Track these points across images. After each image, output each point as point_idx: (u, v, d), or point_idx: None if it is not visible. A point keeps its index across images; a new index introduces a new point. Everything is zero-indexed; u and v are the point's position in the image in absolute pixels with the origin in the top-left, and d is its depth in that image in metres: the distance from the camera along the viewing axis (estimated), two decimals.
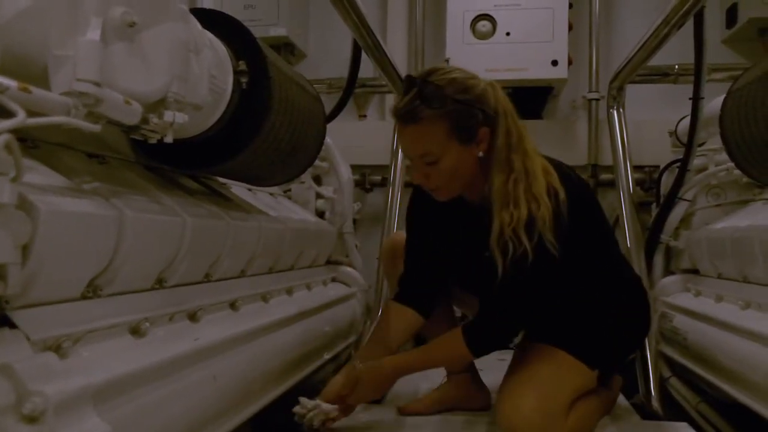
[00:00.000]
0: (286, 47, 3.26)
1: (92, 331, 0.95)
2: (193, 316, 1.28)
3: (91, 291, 1.01)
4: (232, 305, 1.47)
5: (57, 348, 0.86)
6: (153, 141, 1.11)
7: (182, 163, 1.41)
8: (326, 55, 3.39)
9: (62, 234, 0.88)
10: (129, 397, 0.91)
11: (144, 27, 1.00)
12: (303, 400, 1.48)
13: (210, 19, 1.33)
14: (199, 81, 1.17)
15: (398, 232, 1.83)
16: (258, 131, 1.36)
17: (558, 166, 1.47)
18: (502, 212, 1.36)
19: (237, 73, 1.33)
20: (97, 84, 0.87)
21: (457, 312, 1.98)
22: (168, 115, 1.06)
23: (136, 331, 1.07)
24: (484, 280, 1.43)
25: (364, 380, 1.48)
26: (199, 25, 1.20)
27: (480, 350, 1.48)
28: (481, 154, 1.39)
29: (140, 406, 0.94)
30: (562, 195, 1.36)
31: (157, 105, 1.06)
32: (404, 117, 1.38)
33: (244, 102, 1.34)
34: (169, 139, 1.10)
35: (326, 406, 1.45)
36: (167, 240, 1.18)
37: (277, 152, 1.52)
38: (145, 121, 1.04)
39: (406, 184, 2.95)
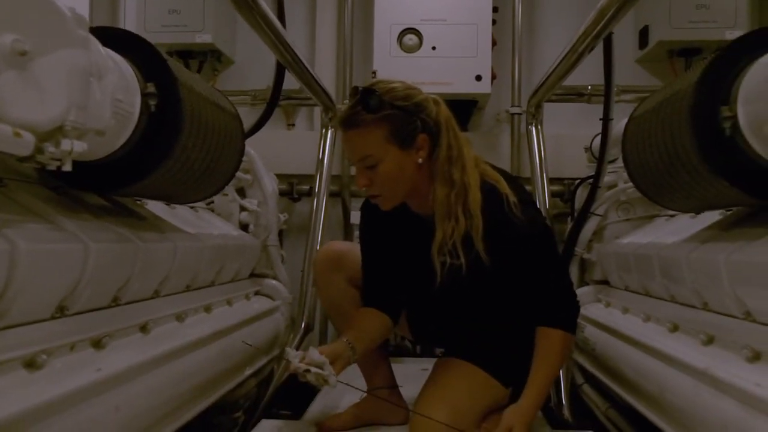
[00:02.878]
0: (212, 54, 3.22)
1: None
2: (97, 344, 1.25)
3: None
4: (143, 328, 1.44)
5: None
6: (52, 168, 1.08)
7: (88, 184, 1.37)
8: (254, 62, 3.35)
9: None
10: None
11: (38, 54, 0.98)
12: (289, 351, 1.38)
13: (117, 40, 1.30)
14: (101, 106, 1.14)
15: (333, 243, 1.83)
16: (168, 154, 1.35)
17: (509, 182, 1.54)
18: (444, 224, 1.44)
19: (145, 95, 1.31)
20: None
21: None
22: (66, 144, 1.04)
23: (31, 364, 1.04)
24: (447, 291, 1.51)
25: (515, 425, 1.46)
26: (101, 48, 1.18)
27: (575, 326, 1.55)
28: (420, 161, 1.45)
29: None
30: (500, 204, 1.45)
31: (54, 133, 1.04)
32: (346, 123, 1.44)
33: (152, 124, 1.32)
34: (67, 168, 1.07)
35: (320, 370, 1.33)
36: (67, 268, 1.15)
37: (190, 173, 1.50)
38: (40, 150, 1.01)
39: (332, 194, 2.98)
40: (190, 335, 1.58)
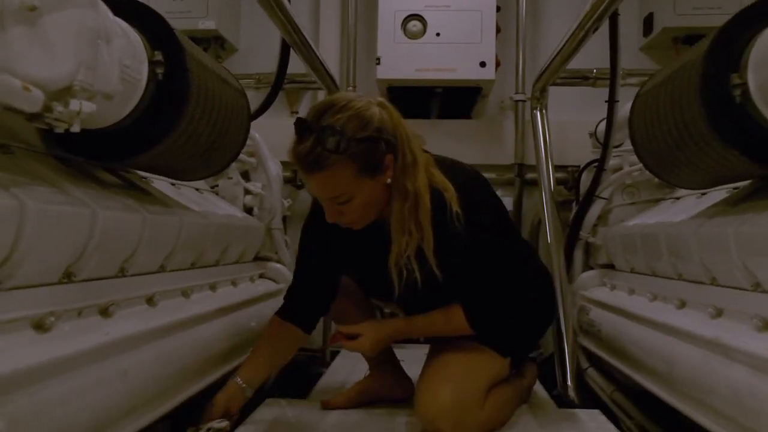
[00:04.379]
0: (216, 40, 3.21)
1: None
2: (104, 311, 1.24)
3: None
4: (149, 300, 1.44)
5: None
6: (59, 131, 1.08)
7: (95, 154, 1.37)
8: (257, 50, 3.34)
9: None
10: (28, 392, 0.88)
11: (47, 11, 0.97)
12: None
13: (124, 9, 1.30)
14: (110, 69, 1.14)
15: None
16: (175, 123, 1.34)
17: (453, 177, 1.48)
18: (400, 238, 1.40)
19: (152, 63, 1.31)
20: None
21: None
22: (74, 104, 1.03)
23: (39, 325, 1.04)
24: (403, 290, 1.48)
25: (366, 332, 1.53)
26: (110, 13, 1.17)
27: (477, 323, 1.52)
28: (389, 180, 1.39)
29: (40, 402, 0.91)
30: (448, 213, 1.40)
31: (63, 93, 1.03)
32: (309, 166, 1.33)
33: (160, 93, 1.32)
34: (75, 129, 1.06)
35: (216, 424, 1.43)
36: (75, 232, 1.14)
37: (196, 146, 1.49)
38: (48, 109, 1.00)
39: None
40: (196, 309, 1.58)
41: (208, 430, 1.42)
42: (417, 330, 1.60)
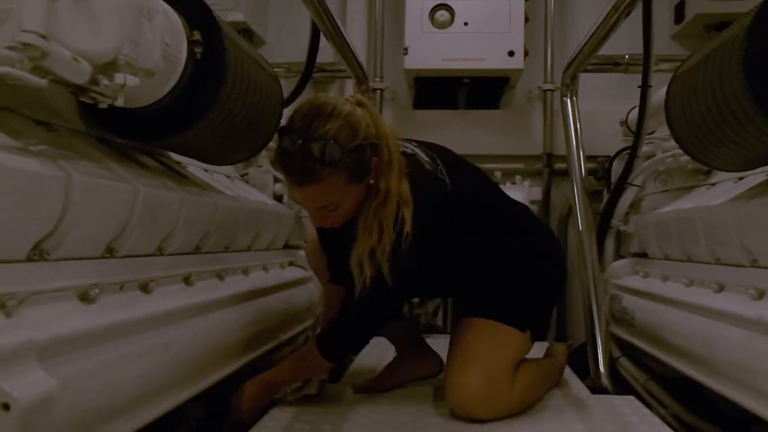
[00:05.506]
0: (244, 33, 3.22)
1: (38, 293, 0.93)
2: (144, 287, 1.26)
3: (37, 254, 0.99)
4: (186, 279, 1.45)
5: (1, 306, 0.84)
6: (103, 105, 1.09)
7: (134, 133, 1.39)
8: (285, 42, 3.36)
9: (6, 190, 0.86)
10: (76, 356, 0.90)
11: None
12: None
13: None
14: (152, 46, 1.15)
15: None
16: (213, 102, 1.35)
17: (419, 169, 1.45)
18: (362, 237, 1.38)
19: (191, 42, 1.32)
20: (43, 36, 0.85)
21: None
22: (119, 78, 1.05)
23: (84, 297, 1.05)
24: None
25: (238, 401, 1.52)
26: None
27: (333, 357, 1.51)
28: (372, 181, 1.38)
29: (88, 367, 0.92)
30: (407, 226, 1.35)
31: (108, 67, 1.05)
32: (301, 179, 1.31)
33: (198, 72, 1.33)
34: (120, 103, 1.08)
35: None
36: (117, 207, 1.16)
37: (232, 127, 1.50)
38: (94, 82, 1.02)
39: None
40: (231, 290, 1.59)
41: (293, 392, 1.55)
42: (284, 376, 1.57)
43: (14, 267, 0.91)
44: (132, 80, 1.06)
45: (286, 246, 2.44)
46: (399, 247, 1.35)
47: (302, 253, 2.47)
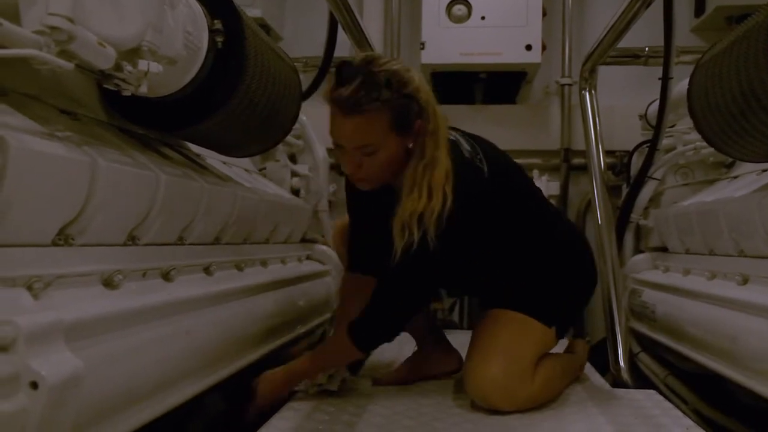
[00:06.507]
0: (261, 29, 3.23)
1: (63, 276, 0.94)
2: (166, 275, 1.26)
3: (62, 239, 0.99)
4: (206, 269, 1.46)
5: (28, 287, 0.85)
6: (127, 93, 1.10)
7: (156, 123, 1.39)
8: (302, 38, 3.36)
9: (33, 174, 0.87)
10: (101, 339, 0.90)
11: None
12: None
13: None
14: (174, 34, 1.16)
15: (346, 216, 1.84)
16: (233, 91, 1.36)
17: (459, 154, 1.44)
18: (407, 199, 1.37)
19: (212, 32, 1.32)
20: (70, 20, 0.86)
21: None
22: (142, 64, 1.06)
23: (108, 282, 1.06)
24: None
25: (259, 390, 1.51)
26: None
27: (366, 346, 1.50)
28: (410, 145, 1.39)
29: (112, 350, 0.93)
30: (449, 197, 1.35)
31: (131, 54, 1.06)
32: (348, 107, 1.33)
33: (219, 61, 1.34)
34: (143, 90, 1.09)
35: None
36: (140, 194, 1.17)
37: (252, 117, 1.51)
38: (118, 68, 1.03)
39: None
40: (249, 281, 1.60)
41: (313, 386, 1.53)
42: (308, 369, 1.55)
43: (40, 251, 0.92)
44: (155, 67, 1.07)
45: (303, 240, 2.45)
46: (444, 216, 1.35)
47: (319, 247, 2.48)
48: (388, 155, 1.38)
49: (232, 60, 1.35)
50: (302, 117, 2.48)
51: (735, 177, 2.13)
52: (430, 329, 1.84)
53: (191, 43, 1.24)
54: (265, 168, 2.45)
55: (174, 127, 1.41)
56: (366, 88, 1.31)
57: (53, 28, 0.84)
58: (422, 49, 2.96)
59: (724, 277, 1.73)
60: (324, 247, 2.47)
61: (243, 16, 1.39)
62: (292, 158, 2.53)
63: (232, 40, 1.35)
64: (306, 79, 2.69)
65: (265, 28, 3.24)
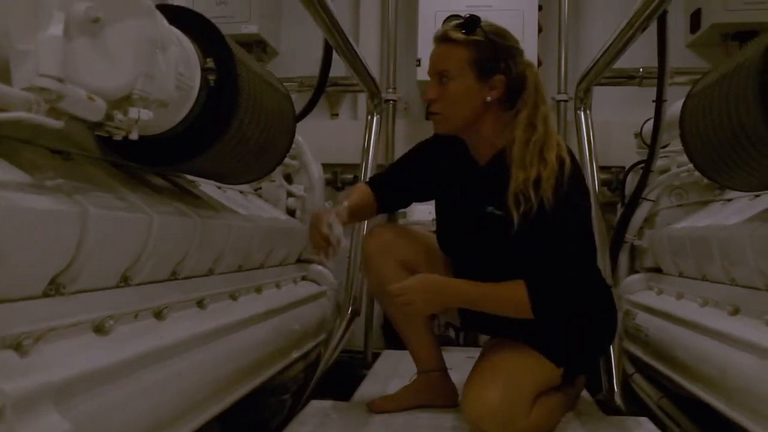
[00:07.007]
0: (258, 45, 3.25)
1: (54, 329, 0.94)
2: (158, 314, 1.27)
3: (54, 288, 1.00)
4: (200, 303, 1.47)
5: (17, 346, 0.85)
6: (118, 138, 1.11)
7: (149, 159, 1.40)
8: (298, 53, 3.38)
9: (22, 231, 0.87)
10: (91, 395, 0.91)
11: (109, 23, 1.00)
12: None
13: (177, 16, 1.33)
14: (166, 78, 1.16)
15: (382, 227, 1.82)
16: (225, 129, 1.36)
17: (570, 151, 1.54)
18: (518, 171, 1.44)
19: (204, 70, 1.33)
20: (60, 80, 0.86)
21: None
22: (133, 112, 1.06)
23: (99, 329, 1.06)
24: (480, 236, 1.57)
25: (415, 285, 1.50)
26: (165, 22, 1.20)
27: (539, 303, 1.45)
28: (489, 99, 1.49)
29: (102, 404, 0.93)
30: (568, 165, 1.44)
31: (122, 101, 1.06)
32: (441, 37, 1.51)
33: (211, 99, 1.34)
34: (134, 137, 1.09)
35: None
36: (133, 237, 1.17)
37: (245, 150, 1.51)
38: (109, 117, 1.03)
39: None
40: (244, 312, 1.60)
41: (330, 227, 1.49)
42: (469, 295, 1.51)
43: (31, 304, 0.92)
44: (146, 114, 1.07)
45: (300, 260, 2.46)
46: (564, 180, 1.42)
47: (315, 266, 2.49)
48: (461, 90, 1.48)
49: (225, 98, 1.35)
50: (298, 137, 2.49)
51: (729, 200, 2.13)
52: (434, 356, 1.80)
53: (183, 84, 1.25)
54: (260, 188, 2.45)
55: (165, 164, 1.42)
56: (460, 24, 1.48)
57: (43, 89, 0.84)
58: (418, 66, 2.97)
59: (715, 305, 1.74)
60: (320, 267, 2.48)
61: (235, 52, 1.40)
62: (288, 178, 2.54)
63: (225, 78, 1.36)
64: (301, 98, 2.71)
65: (262, 43, 3.27)
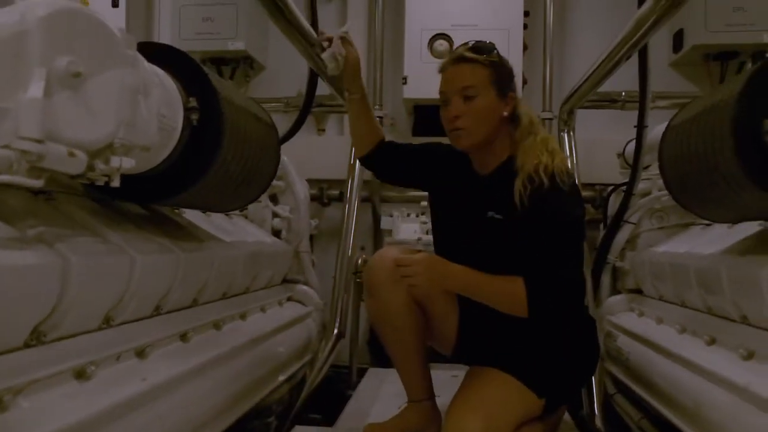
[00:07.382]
0: (245, 61, 3.25)
1: (35, 380, 0.95)
2: (141, 353, 1.28)
3: (35, 338, 1.01)
4: (183, 337, 1.47)
5: None
6: (100, 183, 1.11)
7: (132, 196, 1.41)
8: (286, 69, 3.38)
9: (4, 288, 0.88)
10: None
11: (90, 75, 1.01)
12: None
13: (160, 54, 1.34)
14: (148, 123, 1.17)
15: (388, 251, 1.77)
16: (207, 167, 1.37)
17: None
18: (528, 160, 1.54)
19: (188, 110, 1.34)
20: (40, 141, 0.87)
21: None
22: (115, 161, 1.07)
23: (81, 374, 1.08)
24: (479, 241, 1.61)
25: (420, 261, 1.53)
26: (147, 65, 1.21)
27: (535, 300, 1.47)
28: (506, 114, 1.58)
29: None
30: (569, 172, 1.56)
31: (104, 150, 1.07)
32: (458, 59, 1.58)
33: (194, 138, 1.35)
34: (116, 184, 1.10)
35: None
36: (115, 280, 1.18)
37: (228, 184, 1.53)
38: (90, 168, 1.04)
39: (363, 200, 2.99)
40: (227, 343, 1.61)
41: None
42: (470, 281, 1.53)
43: (11, 357, 0.93)
44: (127, 162, 1.09)
45: (285, 281, 2.47)
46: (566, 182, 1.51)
47: (301, 287, 2.50)
48: (486, 106, 1.55)
49: (208, 137, 1.36)
50: (284, 158, 2.50)
51: (708, 224, 2.17)
52: (425, 387, 1.77)
53: (166, 125, 1.26)
54: (246, 209, 2.46)
55: (148, 200, 1.43)
56: (474, 48, 1.58)
57: (24, 151, 0.85)
58: (404, 83, 2.99)
59: (693, 333, 1.77)
60: (305, 288, 2.49)
61: (219, 89, 1.40)
62: (274, 198, 2.55)
63: (208, 117, 1.36)
64: (288, 118, 2.72)
65: (249, 59, 3.27)
